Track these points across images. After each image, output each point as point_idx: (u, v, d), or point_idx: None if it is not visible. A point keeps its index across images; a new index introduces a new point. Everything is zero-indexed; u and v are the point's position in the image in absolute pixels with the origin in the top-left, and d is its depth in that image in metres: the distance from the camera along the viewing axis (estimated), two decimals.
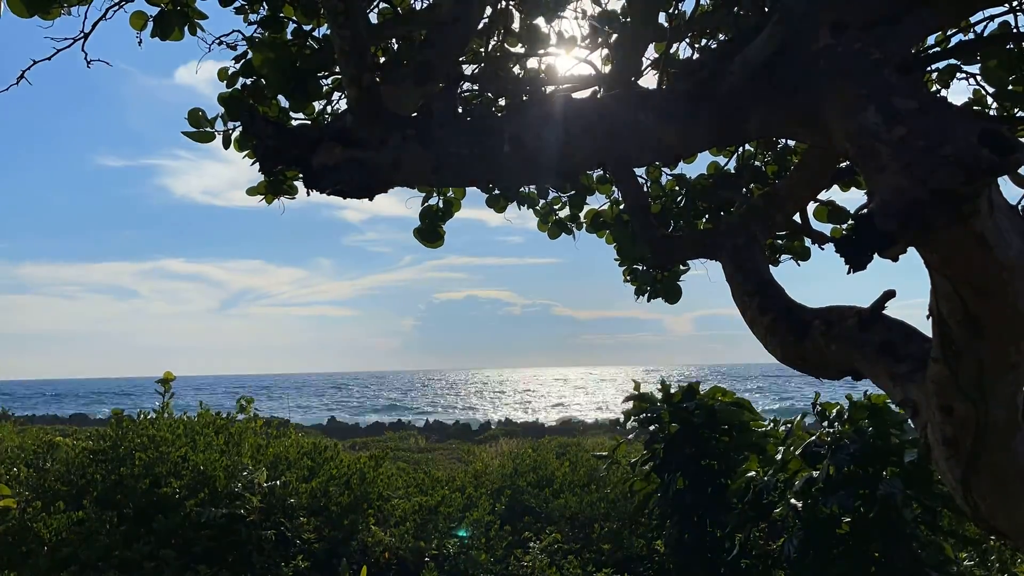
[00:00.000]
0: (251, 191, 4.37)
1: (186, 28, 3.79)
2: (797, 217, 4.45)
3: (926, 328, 1.98)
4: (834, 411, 6.04)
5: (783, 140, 4.84)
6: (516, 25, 4.43)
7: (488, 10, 3.90)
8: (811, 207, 4.69)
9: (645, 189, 4.95)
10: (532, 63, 4.63)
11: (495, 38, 4.30)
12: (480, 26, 3.79)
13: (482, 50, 4.26)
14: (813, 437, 5.91)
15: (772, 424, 7.38)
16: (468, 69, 4.26)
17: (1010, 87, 3.59)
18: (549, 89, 4.27)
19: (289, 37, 3.72)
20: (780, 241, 4.97)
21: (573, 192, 5.36)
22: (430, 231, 4.72)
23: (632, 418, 7.93)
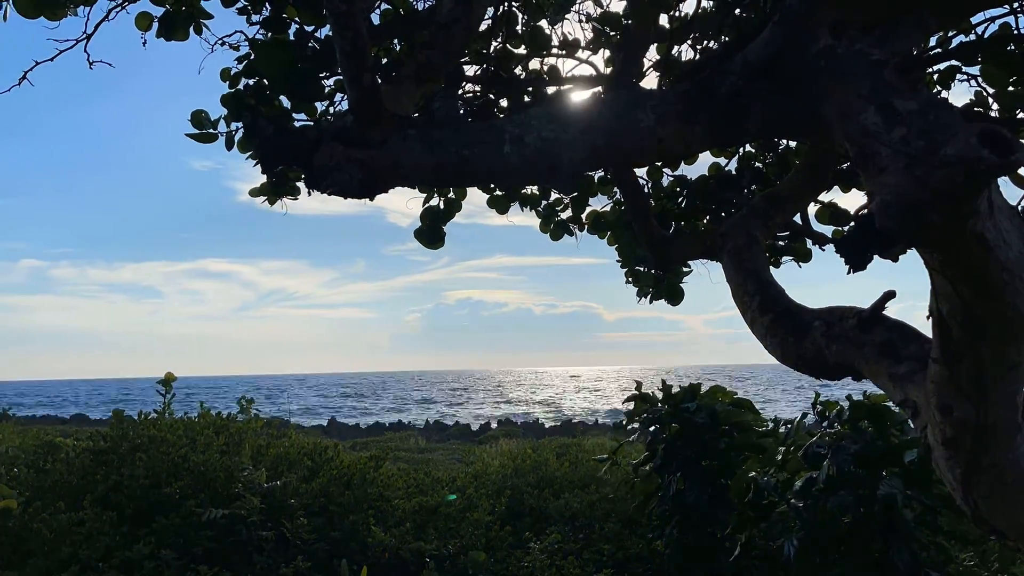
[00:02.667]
0: (254, 192, 4.38)
1: (191, 29, 3.80)
2: (798, 218, 4.46)
3: (926, 328, 1.98)
4: (834, 411, 6.04)
5: (784, 141, 4.84)
6: (519, 27, 4.44)
7: (490, 12, 3.91)
8: (812, 208, 4.70)
9: (646, 190, 4.95)
10: (534, 64, 4.64)
11: (498, 39, 4.31)
12: (483, 28, 3.80)
13: (485, 51, 4.27)
14: (814, 438, 5.91)
15: (772, 424, 7.38)
16: (471, 70, 4.27)
17: (1011, 88, 3.59)
18: (551, 90, 4.28)
19: (291, 38, 3.73)
20: (781, 242, 4.97)
21: (575, 193, 5.37)
22: (431, 232, 4.72)
23: (633, 419, 7.93)
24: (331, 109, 4.30)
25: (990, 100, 3.93)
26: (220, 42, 3.95)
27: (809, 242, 4.92)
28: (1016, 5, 3.45)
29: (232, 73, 3.93)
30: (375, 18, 4.10)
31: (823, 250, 4.87)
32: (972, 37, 3.75)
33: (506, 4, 4.23)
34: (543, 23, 4.48)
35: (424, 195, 4.74)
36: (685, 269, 5.19)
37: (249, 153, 3.86)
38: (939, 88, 4.05)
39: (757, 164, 5.04)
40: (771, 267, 4.04)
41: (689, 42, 4.39)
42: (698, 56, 4.34)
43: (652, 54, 4.22)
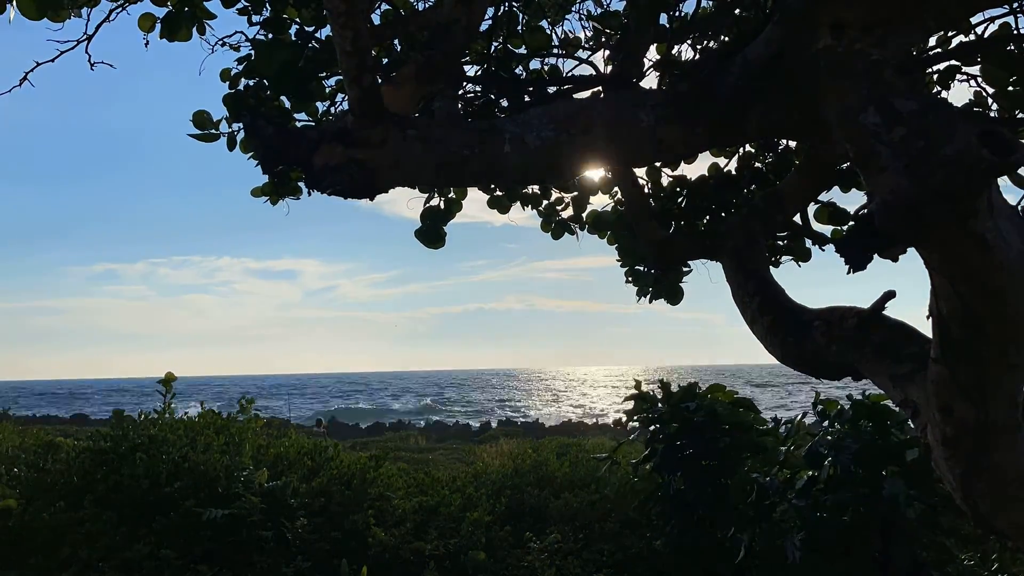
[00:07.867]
0: (255, 191, 4.38)
1: (194, 29, 3.79)
2: (798, 218, 4.46)
3: (926, 328, 1.98)
4: (834, 411, 6.04)
5: (783, 141, 4.85)
6: (520, 27, 4.45)
7: (491, 11, 3.91)
8: (811, 208, 4.69)
9: (646, 190, 4.95)
10: (535, 64, 4.64)
11: (498, 39, 4.31)
12: (483, 27, 3.80)
13: (485, 51, 4.28)
14: (815, 437, 5.92)
15: (773, 424, 7.39)
16: (471, 70, 4.27)
17: (1010, 88, 3.59)
18: (551, 90, 4.28)
19: (292, 38, 3.72)
20: (781, 242, 4.97)
21: (575, 193, 5.37)
22: (431, 232, 4.72)
23: (633, 418, 7.93)
24: (331, 109, 4.30)
25: (990, 100, 3.94)
26: (221, 43, 3.95)
27: (809, 242, 4.92)
28: (1016, 5, 3.45)
29: (232, 74, 3.93)
30: (375, 18, 4.10)
31: (823, 250, 4.87)
32: (972, 37, 3.75)
33: (506, 4, 4.24)
34: (544, 23, 4.49)
35: (424, 195, 4.74)
36: (685, 269, 5.19)
37: (250, 153, 3.86)
38: (939, 88, 4.05)
39: (757, 164, 5.04)
40: (771, 267, 4.04)
41: (689, 42, 4.39)
42: (698, 56, 4.34)
43: (652, 54, 4.22)
